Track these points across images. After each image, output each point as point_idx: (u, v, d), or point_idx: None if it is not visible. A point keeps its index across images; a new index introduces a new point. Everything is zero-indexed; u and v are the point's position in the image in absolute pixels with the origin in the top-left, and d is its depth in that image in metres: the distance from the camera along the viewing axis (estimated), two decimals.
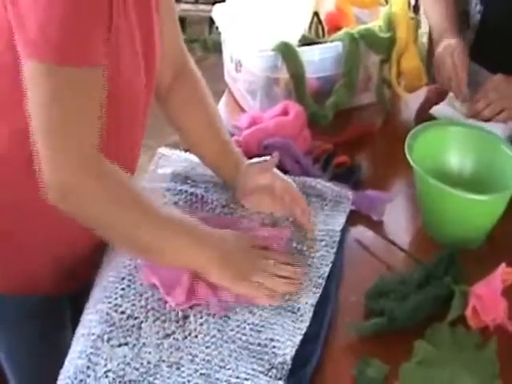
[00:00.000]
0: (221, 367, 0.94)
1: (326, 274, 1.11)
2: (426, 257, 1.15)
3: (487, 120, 1.46)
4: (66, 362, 0.95)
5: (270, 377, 0.93)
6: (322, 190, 1.27)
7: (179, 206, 1.20)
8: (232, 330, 1.00)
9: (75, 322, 1.03)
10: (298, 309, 1.04)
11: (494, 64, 1.55)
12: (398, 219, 1.30)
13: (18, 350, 1.27)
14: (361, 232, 1.24)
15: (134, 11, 1.00)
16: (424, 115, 1.55)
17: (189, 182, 1.26)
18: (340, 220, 1.22)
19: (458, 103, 1.53)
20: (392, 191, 1.37)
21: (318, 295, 1.07)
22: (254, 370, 0.94)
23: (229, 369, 0.94)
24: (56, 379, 0.94)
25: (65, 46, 0.86)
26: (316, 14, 1.64)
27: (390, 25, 1.54)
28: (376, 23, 1.57)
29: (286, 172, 1.28)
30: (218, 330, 0.99)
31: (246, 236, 1.11)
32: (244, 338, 0.99)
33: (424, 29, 1.84)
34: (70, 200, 0.93)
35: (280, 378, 0.93)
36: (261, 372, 0.94)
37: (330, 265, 1.13)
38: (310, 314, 1.03)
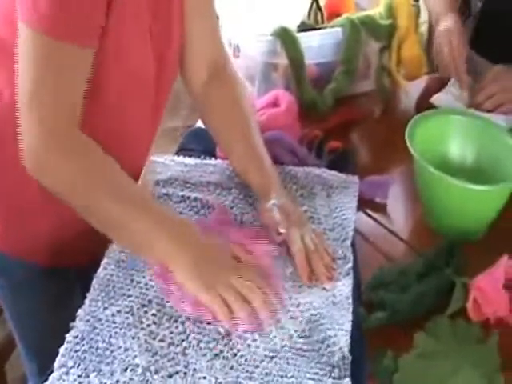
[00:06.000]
0: (282, 377, 0.89)
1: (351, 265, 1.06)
2: (426, 247, 1.13)
3: (488, 111, 1.44)
4: None
5: (334, 378, 0.89)
6: (327, 177, 1.24)
7: (184, 214, 1.14)
8: (283, 340, 0.93)
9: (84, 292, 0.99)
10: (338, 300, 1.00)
11: (494, 54, 1.54)
12: (397, 209, 1.28)
13: (26, 312, 1.27)
14: (360, 222, 1.21)
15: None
16: (424, 104, 1.53)
17: (188, 186, 1.20)
18: (352, 205, 1.18)
19: (458, 92, 1.51)
20: None
21: (351, 283, 1.03)
22: (316, 374, 0.89)
23: (291, 376, 0.89)
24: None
25: (51, 18, 0.87)
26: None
27: (391, 12, 1.53)
28: (376, 10, 1.55)
29: (281, 164, 1.26)
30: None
31: (235, 247, 1.03)
32: (297, 346, 0.93)
33: (423, 17, 1.82)
34: (40, 170, 0.93)
35: (345, 376, 0.89)
36: (324, 375, 0.89)
37: (352, 257, 1.08)
38: (350, 301, 0.99)
